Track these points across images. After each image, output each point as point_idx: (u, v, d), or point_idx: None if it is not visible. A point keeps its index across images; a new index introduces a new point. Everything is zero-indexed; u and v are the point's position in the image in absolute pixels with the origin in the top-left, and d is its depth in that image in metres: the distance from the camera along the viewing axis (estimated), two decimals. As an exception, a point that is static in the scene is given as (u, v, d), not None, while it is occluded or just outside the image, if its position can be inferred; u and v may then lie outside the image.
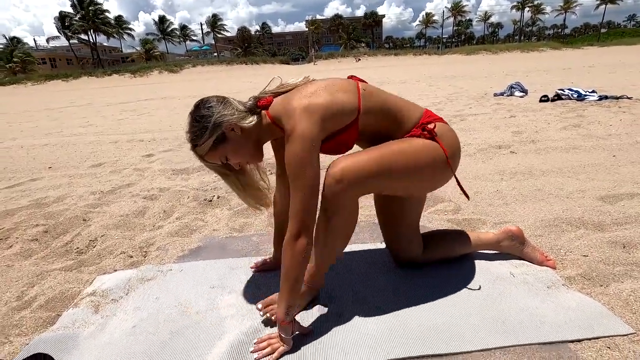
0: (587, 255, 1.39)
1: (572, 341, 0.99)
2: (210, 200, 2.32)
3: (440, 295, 1.21)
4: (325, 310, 1.20)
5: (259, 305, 1.19)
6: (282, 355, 1.01)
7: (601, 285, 1.23)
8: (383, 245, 1.58)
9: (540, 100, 5.71)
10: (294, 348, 1.03)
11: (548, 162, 2.60)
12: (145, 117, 7.03)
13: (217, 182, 2.72)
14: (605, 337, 1.00)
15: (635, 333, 1.00)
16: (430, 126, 1.14)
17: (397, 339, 1.03)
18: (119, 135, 5.25)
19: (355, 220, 1.12)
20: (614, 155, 2.62)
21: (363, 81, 1.20)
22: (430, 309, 1.15)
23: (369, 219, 1.90)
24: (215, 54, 53.57)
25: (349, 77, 1.22)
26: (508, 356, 0.95)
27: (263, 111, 1.14)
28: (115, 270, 1.56)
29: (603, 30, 62.01)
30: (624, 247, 1.45)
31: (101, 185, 2.83)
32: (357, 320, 1.14)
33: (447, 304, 1.17)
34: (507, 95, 6.61)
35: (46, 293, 1.43)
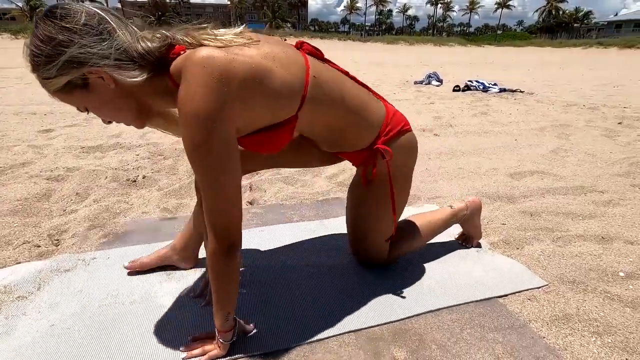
0: (505, 224, 1.59)
1: (501, 296, 1.12)
2: (134, 181, 2.07)
3: (389, 267, 1.26)
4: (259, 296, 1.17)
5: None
6: (213, 358, 0.88)
7: (517, 248, 1.41)
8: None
9: (454, 90, 6.30)
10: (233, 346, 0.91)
11: (465, 144, 2.88)
12: (35, 85, 5.94)
13: (141, 160, 2.44)
14: (525, 290, 1.15)
15: (547, 285, 1.18)
16: (382, 149, 0.98)
17: (354, 313, 1.05)
18: (1, 106, 4.36)
19: None
20: (516, 139, 3.02)
21: (318, 53, 0.92)
22: (381, 281, 1.20)
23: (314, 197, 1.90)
24: (122, 20, 47.24)
25: (297, 45, 0.90)
26: (453, 315, 1.04)
27: (168, 66, 0.76)
28: (19, 263, 1.31)
29: (499, 32, 70.56)
30: (531, 215, 1.68)
31: (-16, 165, 2.33)
32: (307, 299, 1.13)
33: (394, 275, 1.23)
34: (426, 84, 7.15)
35: None
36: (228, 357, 0.90)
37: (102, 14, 0.72)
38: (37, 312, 1.07)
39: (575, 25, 65.87)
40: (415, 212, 1.66)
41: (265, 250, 1.38)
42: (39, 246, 1.43)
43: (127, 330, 1.00)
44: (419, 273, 1.23)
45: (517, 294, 1.14)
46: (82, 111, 0.80)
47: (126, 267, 1.23)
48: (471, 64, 12.89)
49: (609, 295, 1.14)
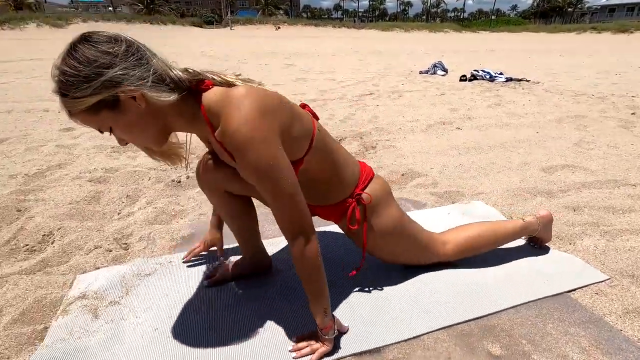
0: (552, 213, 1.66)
1: (569, 291, 1.19)
2: (179, 182, 2.10)
3: (458, 266, 1.32)
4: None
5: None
6: (322, 356, 0.95)
7: (570, 244, 1.49)
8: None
9: (460, 80, 6.33)
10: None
11: (490, 138, 2.94)
12: (39, 80, 5.84)
13: (176, 160, 2.46)
14: (590, 284, 1.23)
15: (610, 279, 1.26)
16: (365, 198, 1.08)
17: (440, 308, 1.12)
18: (10, 103, 4.29)
19: None
20: (537, 132, 3.09)
21: (315, 115, 1.05)
22: (456, 277, 1.26)
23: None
24: (110, 8, 46.16)
25: (301, 106, 1.03)
26: (531, 311, 1.11)
27: (198, 96, 0.86)
28: (98, 268, 1.35)
29: (493, 17, 70.21)
30: (574, 210, 1.76)
31: (21, 167, 2.33)
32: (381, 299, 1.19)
33: (466, 273, 1.29)
34: (431, 74, 7.16)
35: (15, 304, 1.17)
36: (336, 356, 0.96)
37: (139, 43, 0.81)
38: (134, 316, 1.12)
39: (569, 9, 65.80)
40: (464, 208, 1.74)
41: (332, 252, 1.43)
42: (110, 250, 1.47)
43: (227, 333, 1.05)
44: (484, 271, 1.29)
45: (584, 288, 1.21)
46: (102, 132, 0.83)
47: (207, 282, 1.26)
48: (472, 52, 12.87)
49: (668, 287, 1.22)
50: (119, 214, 1.78)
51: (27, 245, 1.51)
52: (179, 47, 13.03)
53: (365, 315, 1.10)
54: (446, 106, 4.21)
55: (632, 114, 3.70)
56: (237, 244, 1.31)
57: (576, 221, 1.65)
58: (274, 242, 1.47)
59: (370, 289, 1.21)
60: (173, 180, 2.10)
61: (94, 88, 0.74)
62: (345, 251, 1.41)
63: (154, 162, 2.42)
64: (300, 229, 0.87)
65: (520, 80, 6.25)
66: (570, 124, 3.34)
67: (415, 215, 1.68)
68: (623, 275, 1.28)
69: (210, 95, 0.87)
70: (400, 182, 2.12)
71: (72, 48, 0.75)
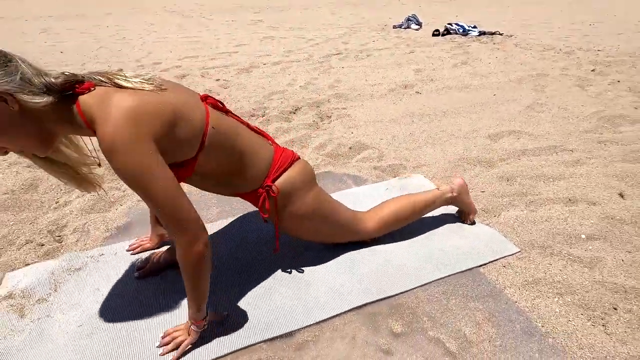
0: (484, 191, 1.73)
1: (481, 265, 1.28)
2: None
3: (380, 244, 1.38)
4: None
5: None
6: (186, 348, 0.99)
7: (495, 216, 1.56)
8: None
9: (433, 35, 6.15)
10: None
11: (447, 102, 2.93)
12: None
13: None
14: (501, 258, 1.31)
15: (520, 251, 1.34)
16: (274, 190, 1.10)
17: (354, 290, 1.19)
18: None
19: None
20: (494, 94, 3.09)
21: (219, 104, 1.04)
22: (371, 259, 1.32)
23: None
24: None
25: (202, 97, 1.01)
26: (440, 287, 1.19)
27: (75, 98, 0.84)
28: (28, 264, 1.35)
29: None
30: (507, 180, 1.82)
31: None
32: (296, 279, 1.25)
33: (384, 252, 1.35)
34: (405, 28, 6.90)
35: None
36: (246, 343, 1.02)
37: (7, 51, 0.81)
38: (61, 313, 1.15)
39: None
40: (402, 182, 1.78)
41: (252, 234, 1.47)
42: (42, 245, 1.46)
43: (144, 327, 1.09)
44: (407, 249, 1.36)
45: (495, 261, 1.29)
46: None
47: (127, 250, 1.35)
48: (449, 2, 12.36)
49: (571, 257, 1.31)
50: (56, 202, 1.76)
51: (-44, 241, 1.49)
52: (140, 1, 12.07)
53: (279, 300, 1.16)
54: (412, 66, 4.12)
55: (592, 70, 3.72)
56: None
57: (506, 192, 1.72)
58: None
59: (289, 270, 1.26)
60: (116, 163, 2.06)
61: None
62: (267, 231, 1.45)
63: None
64: (182, 230, 0.88)
65: (493, 33, 6.11)
66: (529, 84, 3.34)
67: (352, 192, 1.71)
68: (533, 246, 1.37)
69: (86, 98, 0.85)
70: (347, 155, 2.13)
71: None
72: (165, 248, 1.36)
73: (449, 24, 6.44)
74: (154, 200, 0.85)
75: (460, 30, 6.20)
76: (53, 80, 0.82)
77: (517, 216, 1.54)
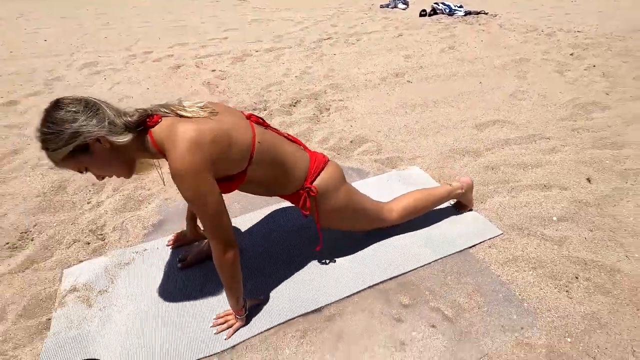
0: (473, 180, 1.97)
1: (471, 247, 1.53)
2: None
3: (390, 231, 1.62)
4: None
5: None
6: (236, 330, 1.22)
7: (482, 202, 1.81)
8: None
9: (420, 15, 6.24)
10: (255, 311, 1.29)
11: (436, 91, 3.13)
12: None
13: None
14: (487, 239, 1.57)
15: (502, 233, 1.60)
16: (313, 190, 1.28)
17: (368, 271, 1.43)
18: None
19: None
20: (480, 82, 3.30)
21: (260, 120, 1.24)
22: (385, 243, 1.56)
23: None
24: None
25: (247, 116, 1.21)
26: (439, 266, 1.45)
27: (148, 130, 1.04)
28: (81, 261, 1.55)
29: None
30: (492, 169, 2.07)
31: (-24, 156, 2.34)
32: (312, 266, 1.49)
33: (391, 237, 1.59)
34: (392, 7, 6.95)
35: (15, 301, 1.38)
36: (286, 318, 1.26)
37: (95, 100, 1.01)
38: (121, 302, 1.36)
39: None
40: (402, 174, 2.00)
41: (269, 226, 1.68)
42: (88, 243, 1.65)
43: (193, 311, 1.31)
44: (410, 236, 1.60)
45: (482, 243, 1.55)
46: (81, 172, 1.04)
47: (167, 245, 1.57)
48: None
49: (544, 237, 1.58)
50: (88, 203, 1.92)
51: (7, 243, 1.66)
52: None
53: (308, 282, 1.40)
54: (402, 52, 4.27)
55: (570, 54, 3.94)
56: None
57: (491, 180, 1.97)
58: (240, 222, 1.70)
59: (315, 257, 1.50)
60: (136, 163, 2.21)
61: (65, 140, 0.95)
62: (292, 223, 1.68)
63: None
64: (221, 241, 1.09)
65: (478, 13, 6.24)
66: (512, 71, 3.55)
67: (359, 185, 1.93)
68: (513, 229, 1.63)
69: (157, 130, 1.05)
70: (349, 149, 2.34)
71: (47, 113, 0.96)
72: (203, 242, 1.57)
73: (435, 3, 6.52)
74: (203, 216, 1.06)
75: (447, 10, 6.31)
76: (130, 119, 1.02)
77: (501, 202, 1.80)
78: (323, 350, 1.18)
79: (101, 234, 1.70)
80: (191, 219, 1.58)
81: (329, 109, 2.91)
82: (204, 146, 1.01)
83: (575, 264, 1.45)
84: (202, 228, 1.52)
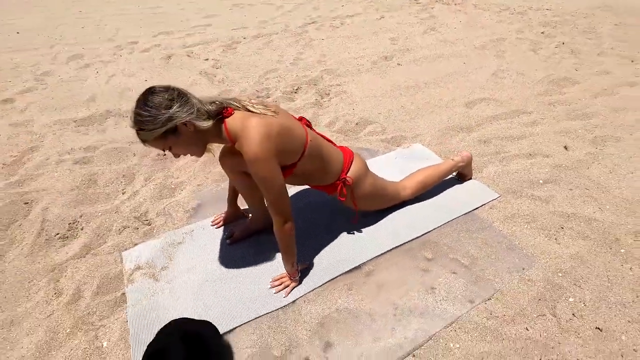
0: (471, 154, 2.24)
1: (475, 209, 1.81)
2: (164, 155, 2.34)
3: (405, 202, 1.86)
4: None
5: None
6: (292, 289, 1.44)
7: (479, 172, 2.09)
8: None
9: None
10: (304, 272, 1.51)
11: (425, 73, 3.37)
12: None
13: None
14: (488, 202, 1.85)
15: (500, 196, 1.89)
16: (349, 181, 1.51)
17: (394, 234, 1.68)
18: None
19: None
20: (464, 63, 3.56)
21: (309, 124, 1.47)
22: (405, 211, 1.82)
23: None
24: None
25: (298, 119, 1.43)
26: (452, 227, 1.72)
27: (223, 120, 1.23)
28: (136, 244, 1.71)
29: None
30: (484, 143, 2.35)
31: (-7, 156, 2.39)
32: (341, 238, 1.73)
33: (411, 207, 1.84)
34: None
35: (88, 282, 1.54)
36: (336, 274, 1.50)
37: (183, 90, 1.19)
38: (182, 275, 1.55)
39: None
40: (406, 152, 2.25)
41: (302, 202, 1.90)
42: (137, 228, 1.81)
43: (248, 277, 1.52)
44: (425, 204, 1.86)
45: (484, 205, 1.83)
46: (164, 150, 1.21)
47: (213, 224, 1.77)
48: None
49: (533, 197, 1.88)
50: (123, 193, 2.06)
51: (58, 234, 1.79)
52: None
53: (347, 245, 1.64)
54: (387, 35, 4.46)
55: (542, 33, 4.27)
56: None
57: (485, 152, 2.25)
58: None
59: (349, 229, 1.73)
60: (158, 155, 2.34)
61: (161, 122, 1.12)
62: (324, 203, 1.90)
63: (127, 135, 2.57)
64: (281, 214, 1.30)
65: (453, -8, 6.45)
66: (491, 50, 3.84)
67: (371, 163, 2.16)
68: (508, 192, 1.92)
69: (231, 121, 1.25)
70: (355, 130, 2.55)
71: (143, 98, 1.13)
72: (245, 219, 1.76)
73: (412, -16, 6.68)
74: (269, 194, 1.27)
75: (423, -9, 6.48)
76: (210, 108, 1.22)
77: (495, 171, 2.08)
78: (369, 297, 1.43)
79: (146, 220, 1.86)
80: (233, 200, 1.77)
81: (329, 94, 3.09)
82: (272, 138, 1.21)
83: (560, 217, 1.76)
84: (242, 208, 1.73)
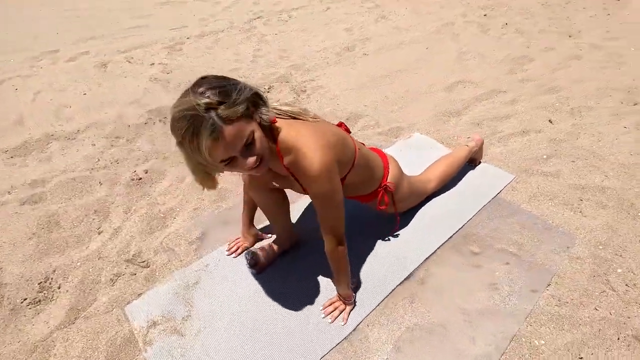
0: (469, 137, 2.23)
1: (498, 194, 1.78)
2: (140, 178, 1.98)
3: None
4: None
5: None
6: (349, 313, 1.28)
7: (485, 154, 2.08)
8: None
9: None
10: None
11: (394, 61, 3.33)
12: None
13: (106, 151, 2.21)
14: (507, 184, 1.84)
15: (515, 177, 1.89)
16: (391, 187, 1.39)
17: (434, 233, 1.58)
18: None
19: None
20: (427, 48, 3.59)
21: (348, 130, 1.31)
22: (433, 205, 1.72)
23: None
24: None
25: (339, 124, 1.29)
26: (482, 215, 1.66)
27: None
28: (140, 294, 1.39)
29: None
30: (477, 125, 2.36)
31: None
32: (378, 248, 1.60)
33: (436, 201, 1.75)
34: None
35: (91, 356, 1.20)
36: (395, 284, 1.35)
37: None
38: (214, 320, 1.29)
39: None
40: (409, 142, 2.17)
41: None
42: (134, 274, 1.48)
43: (289, 312, 1.31)
44: (449, 193, 1.79)
45: (506, 190, 1.81)
46: (246, 145, 0.90)
47: (255, 270, 1.47)
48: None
49: (544, 173, 1.91)
50: (100, 233, 1.68)
51: (26, 299, 1.39)
52: None
53: (392, 253, 1.50)
54: (340, 26, 4.35)
55: (484, 15, 4.48)
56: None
57: (481, 134, 2.25)
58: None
59: (387, 237, 1.59)
60: (132, 180, 1.97)
61: (244, 92, 0.87)
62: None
63: (85, 160, 2.13)
64: (336, 234, 1.14)
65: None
66: (446, 35, 3.92)
67: (378, 159, 2.04)
68: (520, 171, 1.93)
69: (284, 136, 1.02)
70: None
71: (198, 81, 0.87)
72: (263, 243, 1.53)
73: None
74: (327, 212, 1.09)
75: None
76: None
77: (500, 151, 2.09)
78: (434, 307, 1.31)
79: (143, 261, 1.53)
80: (250, 220, 1.52)
81: (305, 90, 2.90)
82: (330, 147, 1.03)
83: (575, 189, 1.81)
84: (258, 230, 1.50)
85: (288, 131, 1.01)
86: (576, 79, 2.86)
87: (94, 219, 1.74)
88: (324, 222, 1.12)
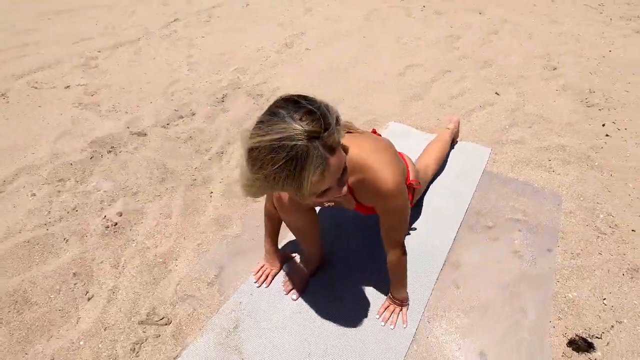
0: (439, 119, 2.36)
1: (484, 172, 1.93)
2: (116, 223, 1.69)
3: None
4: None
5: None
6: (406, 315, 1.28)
7: (461, 133, 2.23)
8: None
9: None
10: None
11: (340, 53, 3.34)
12: None
13: (55, 199, 1.86)
14: (487, 160, 2.00)
15: (491, 149, 2.06)
16: (414, 185, 1.38)
17: (449, 216, 1.65)
18: None
19: None
20: (364, 37, 3.67)
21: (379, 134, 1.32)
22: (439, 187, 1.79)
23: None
24: None
25: (372, 131, 1.30)
26: (481, 192, 1.79)
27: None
28: (176, 358, 1.21)
29: None
30: (441, 105, 2.50)
31: None
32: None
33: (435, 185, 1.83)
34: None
35: None
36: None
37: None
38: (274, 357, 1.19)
39: None
40: (388, 131, 2.22)
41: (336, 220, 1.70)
42: (158, 335, 1.28)
43: (344, 333, 1.26)
44: (443, 176, 1.88)
45: (488, 162, 1.97)
46: (337, 178, 0.83)
47: (295, 296, 1.38)
48: None
49: (513, 141, 2.13)
50: (90, 299, 1.42)
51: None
52: None
53: (422, 240, 1.53)
54: (270, 22, 4.21)
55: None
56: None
57: (446, 114, 2.41)
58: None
59: (408, 232, 1.59)
60: (107, 227, 1.68)
61: (333, 113, 0.78)
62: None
63: (23, 219, 1.76)
64: (401, 244, 1.17)
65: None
66: (375, 22, 4.06)
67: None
68: (492, 142, 2.12)
69: (350, 157, 0.95)
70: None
71: (284, 103, 0.79)
72: (290, 263, 1.45)
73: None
74: (397, 226, 1.09)
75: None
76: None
77: (469, 128, 2.25)
78: (479, 287, 1.38)
79: (161, 318, 1.33)
80: (275, 243, 1.42)
81: (262, 94, 2.76)
82: (395, 161, 1.01)
83: (541, 151, 2.05)
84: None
85: (353, 149, 0.96)
86: (499, 53, 3.20)
87: (75, 284, 1.46)
88: (391, 235, 1.11)
